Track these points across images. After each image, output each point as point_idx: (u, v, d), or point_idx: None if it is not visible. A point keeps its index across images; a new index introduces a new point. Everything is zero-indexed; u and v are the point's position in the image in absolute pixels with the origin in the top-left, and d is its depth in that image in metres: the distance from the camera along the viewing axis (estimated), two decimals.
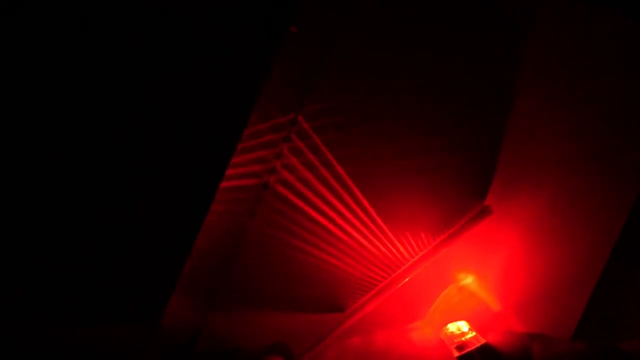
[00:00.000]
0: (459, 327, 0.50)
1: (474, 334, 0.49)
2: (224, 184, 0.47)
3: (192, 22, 0.46)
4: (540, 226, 0.54)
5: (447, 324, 0.52)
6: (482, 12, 0.49)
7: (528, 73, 0.51)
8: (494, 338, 0.47)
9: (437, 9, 0.49)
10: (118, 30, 0.45)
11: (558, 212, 0.54)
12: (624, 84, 0.53)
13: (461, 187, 0.51)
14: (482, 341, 0.48)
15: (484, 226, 0.52)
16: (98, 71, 0.45)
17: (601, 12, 0.51)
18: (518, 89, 0.51)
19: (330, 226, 0.50)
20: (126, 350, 0.49)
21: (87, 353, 0.49)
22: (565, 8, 0.51)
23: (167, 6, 0.45)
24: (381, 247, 0.51)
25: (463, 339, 0.49)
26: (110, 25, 0.45)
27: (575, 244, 0.55)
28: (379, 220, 0.50)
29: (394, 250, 0.51)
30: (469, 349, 0.47)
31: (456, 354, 0.48)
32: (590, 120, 0.53)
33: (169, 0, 0.45)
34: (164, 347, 0.50)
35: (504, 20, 0.50)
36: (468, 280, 0.54)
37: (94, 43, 0.45)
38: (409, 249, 0.51)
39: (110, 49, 0.45)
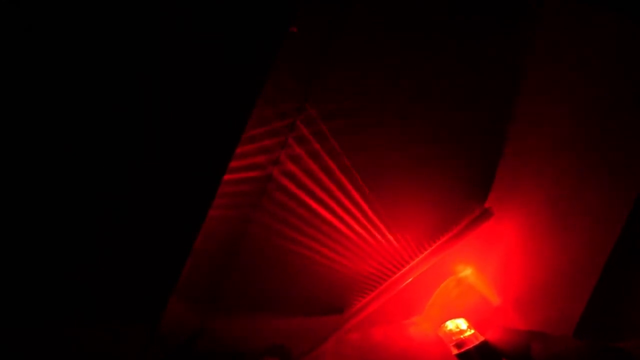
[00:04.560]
0: (458, 324, 0.50)
1: (472, 331, 0.48)
2: (227, 177, 0.47)
3: (193, 20, 0.46)
4: (540, 222, 0.54)
5: (445, 319, 0.51)
6: (483, 13, 0.49)
7: (527, 74, 0.51)
8: (493, 335, 0.46)
9: (439, 11, 0.49)
10: (127, 28, 0.45)
11: (558, 209, 0.54)
12: (624, 84, 0.53)
13: (465, 186, 0.51)
14: (481, 339, 0.47)
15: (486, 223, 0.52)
16: (105, 68, 0.46)
17: (601, 13, 0.51)
18: (518, 89, 0.51)
19: (334, 221, 0.50)
20: (126, 351, 0.49)
21: (87, 353, 0.49)
22: (565, 10, 0.51)
23: (168, 6, 0.45)
24: (384, 243, 0.51)
25: (462, 336, 0.48)
26: (113, 25, 0.45)
27: (575, 241, 0.55)
28: (384, 214, 0.50)
29: (397, 248, 0.51)
30: (468, 347, 0.47)
31: (455, 351, 0.48)
32: (590, 121, 0.53)
33: (170, 0, 0.45)
34: (164, 347, 0.50)
35: (503, 21, 0.50)
36: (467, 272, 0.54)
37: (95, 43, 0.45)
38: (412, 247, 0.51)
39: (116, 47, 0.45)
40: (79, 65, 0.45)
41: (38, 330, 0.48)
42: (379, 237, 0.51)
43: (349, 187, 0.49)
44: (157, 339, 0.49)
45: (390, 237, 0.51)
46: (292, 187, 0.48)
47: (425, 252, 0.52)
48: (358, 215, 0.50)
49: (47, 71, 0.45)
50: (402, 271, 0.52)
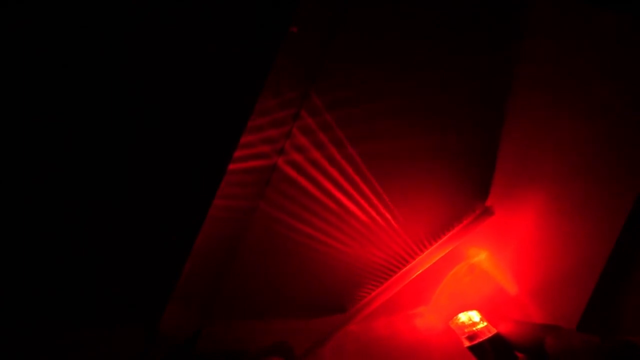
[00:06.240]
0: (470, 317, 0.49)
1: (485, 324, 0.48)
2: (231, 167, 0.46)
3: (193, 20, 0.46)
4: (540, 221, 0.54)
5: (455, 310, 0.50)
6: (480, 12, 0.49)
7: (527, 73, 0.51)
8: (506, 328, 0.46)
9: (439, 11, 0.49)
10: (129, 28, 0.45)
11: (558, 209, 0.54)
12: (624, 84, 0.53)
13: (465, 183, 0.51)
14: (494, 331, 0.47)
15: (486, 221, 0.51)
16: (109, 66, 0.46)
17: (600, 12, 0.51)
18: (517, 89, 0.51)
19: (339, 211, 0.49)
20: (126, 351, 0.49)
21: (87, 353, 0.49)
22: (564, 8, 0.51)
23: (169, 6, 0.46)
24: (390, 235, 0.50)
25: (474, 329, 0.48)
26: (115, 25, 0.45)
27: (575, 240, 0.55)
28: (391, 205, 0.49)
29: (401, 242, 0.51)
30: (480, 340, 0.46)
31: (467, 344, 0.47)
32: (590, 120, 0.53)
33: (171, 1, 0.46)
34: (164, 348, 0.50)
35: (503, 21, 0.50)
36: (481, 257, 0.52)
37: (97, 42, 0.45)
38: (419, 240, 0.51)
39: (118, 46, 0.45)
40: (80, 65, 0.45)
41: (38, 330, 0.48)
42: (384, 227, 0.50)
43: (355, 177, 0.49)
44: (157, 339, 0.49)
45: (395, 229, 0.50)
46: (297, 177, 0.48)
47: (427, 251, 0.51)
48: (364, 205, 0.49)
49: (48, 71, 0.45)
50: (404, 270, 0.51)
